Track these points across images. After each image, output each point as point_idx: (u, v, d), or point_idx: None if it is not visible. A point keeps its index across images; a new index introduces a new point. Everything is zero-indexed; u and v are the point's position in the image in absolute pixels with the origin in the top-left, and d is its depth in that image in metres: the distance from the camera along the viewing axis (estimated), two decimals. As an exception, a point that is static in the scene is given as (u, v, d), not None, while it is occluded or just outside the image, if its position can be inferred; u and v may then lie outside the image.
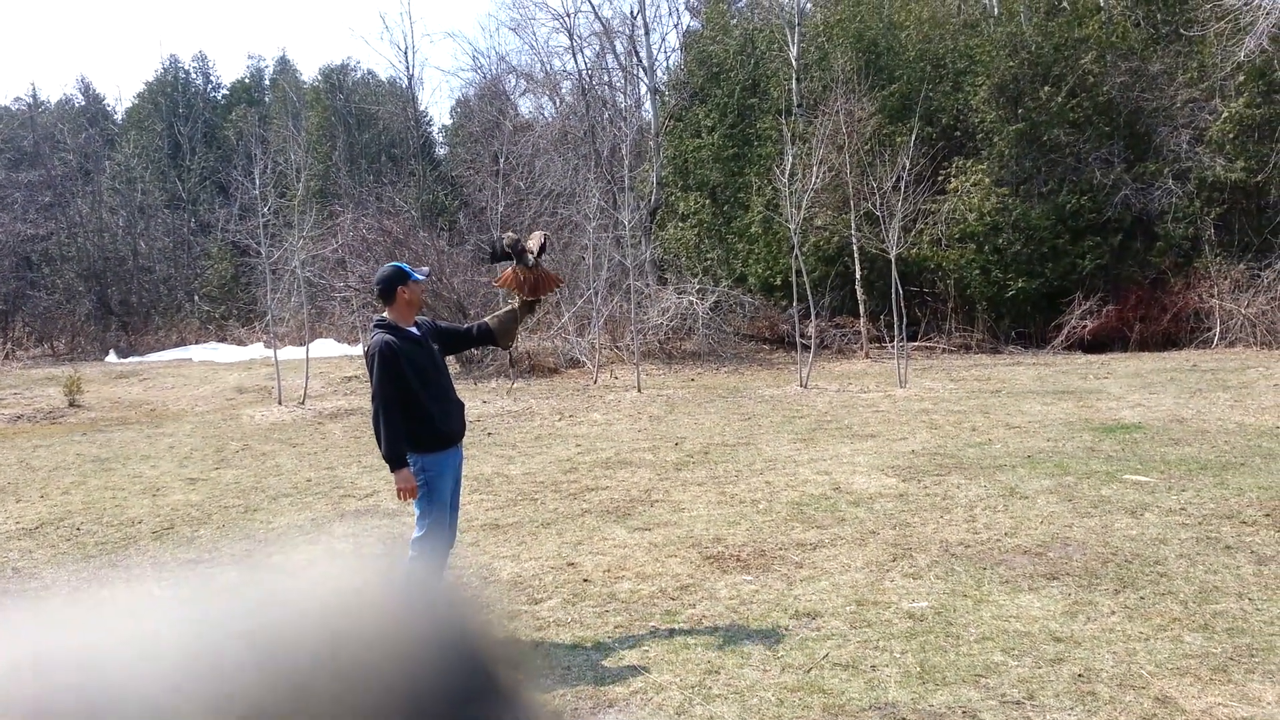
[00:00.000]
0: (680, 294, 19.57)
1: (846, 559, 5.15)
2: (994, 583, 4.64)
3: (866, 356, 19.00)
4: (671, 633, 4.24)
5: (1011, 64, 20.82)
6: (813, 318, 16.50)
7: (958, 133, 21.50)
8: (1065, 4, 21.85)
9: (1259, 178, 18.71)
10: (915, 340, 20.36)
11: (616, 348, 19.48)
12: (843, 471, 7.50)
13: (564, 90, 27.56)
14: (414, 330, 4.25)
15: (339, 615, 0.50)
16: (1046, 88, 20.42)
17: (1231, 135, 19.00)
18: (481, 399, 14.02)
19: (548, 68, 27.56)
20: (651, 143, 24.13)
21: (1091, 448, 7.93)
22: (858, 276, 19.89)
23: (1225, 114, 18.93)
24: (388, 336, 4.14)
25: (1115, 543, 5.16)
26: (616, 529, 6.14)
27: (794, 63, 23.34)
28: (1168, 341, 18.75)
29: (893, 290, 14.11)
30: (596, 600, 4.75)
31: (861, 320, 19.84)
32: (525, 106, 30.69)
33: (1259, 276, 18.00)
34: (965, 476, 7.04)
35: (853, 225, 19.35)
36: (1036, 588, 4.54)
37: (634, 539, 5.87)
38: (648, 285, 20.60)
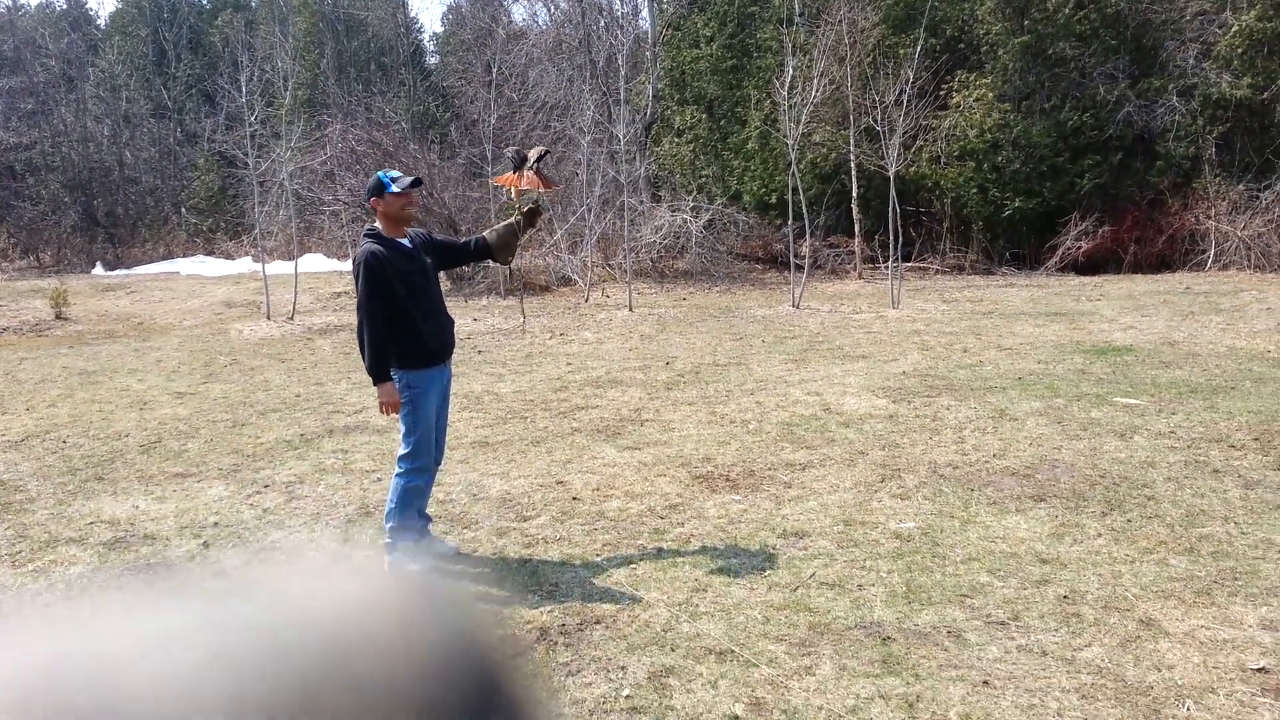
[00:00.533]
0: (674, 212, 19.32)
1: (835, 479, 5.15)
2: (981, 504, 4.64)
3: (860, 277, 18.89)
4: (659, 551, 4.24)
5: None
6: (807, 237, 16.31)
7: (961, 45, 20.99)
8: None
9: (1265, 95, 18.37)
10: (909, 261, 20.21)
11: (609, 266, 19.31)
12: (833, 392, 7.48)
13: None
14: (404, 242, 4.14)
15: (351, 622, 0.51)
16: None
17: (1240, 50, 18.58)
18: (472, 316, 13.92)
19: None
20: (648, 53, 23.56)
21: (1082, 370, 7.91)
22: (854, 195, 19.63)
23: (1235, 28, 18.48)
24: (374, 247, 4.03)
25: (1103, 465, 5.16)
26: (606, 448, 6.13)
27: (795, -31, 22.65)
28: (1161, 264, 18.64)
29: (890, 209, 13.94)
30: (585, 518, 4.75)
31: (856, 240, 19.65)
32: (519, 14, 29.89)
33: (1258, 198, 17.82)
34: (955, 398, 7.02)
35: (851, 141, 19.04)
36: (1024, 509, 4.55)
37: (623, 458, 5.86)
38: (641, 203, 20.34)
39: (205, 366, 10.37)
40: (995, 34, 20.15)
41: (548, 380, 8.79)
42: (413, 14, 32.32)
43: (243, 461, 6.20)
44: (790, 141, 14.74)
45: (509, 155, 4.36)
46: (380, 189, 4.09)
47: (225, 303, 17.67)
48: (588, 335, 11.96)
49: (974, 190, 19.92)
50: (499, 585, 3.96)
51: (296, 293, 14.95)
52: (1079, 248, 18.89)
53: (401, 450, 4.23)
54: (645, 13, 25.35)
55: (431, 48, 36.66)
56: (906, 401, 6.98)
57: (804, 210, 15.50)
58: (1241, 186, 18.22)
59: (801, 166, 21.38)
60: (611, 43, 24.52)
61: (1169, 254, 18.70)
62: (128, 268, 26.20)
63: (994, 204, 19.90)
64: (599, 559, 4.20)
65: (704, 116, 24.16)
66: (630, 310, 14.32)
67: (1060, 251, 19.14)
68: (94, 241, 28.26)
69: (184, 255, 27.23)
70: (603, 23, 24.96)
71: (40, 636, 0.46)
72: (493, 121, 18.07)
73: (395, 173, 4.14)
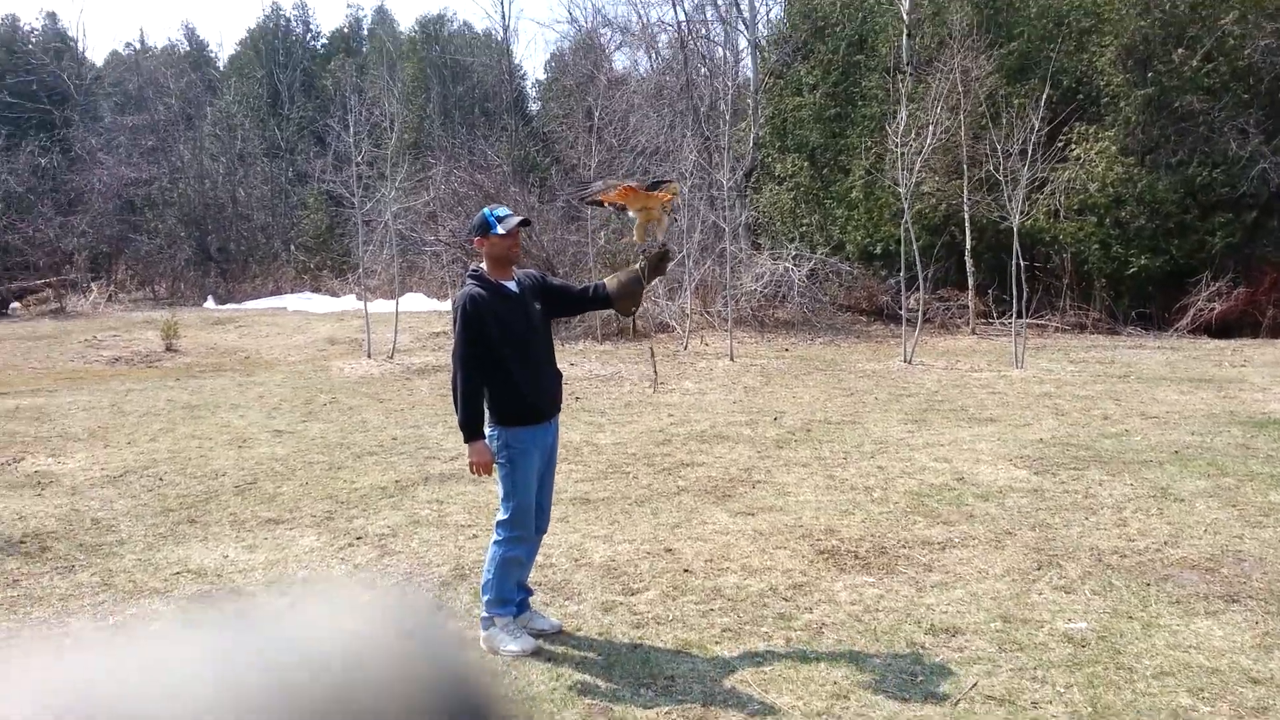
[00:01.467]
0: (775, 260, 18.85)
1: (983, 563, 4.56)
2: (1162, 602, 4.01)
3: (973, 333, 18.07)
4: (787, 643, 3.74)
5: (1143, 23, 19.34)
6: (921, 289, 15.62)
7: (1080, 96, 20.12)
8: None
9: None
10: (1026, 317, 19.27)
11: (707, 313, 18.91)
12: (964, 459, 6.85)
13: (660, 44, 26.83)
14: (510, 285, 3.78)
15: (356, 660, 0.56)
16: (1180, 50, 18.92)
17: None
18: (569, 361, 13.64)
19: (644, 19, 26.87)
20: (750, 100, 23.29)
21: (1244, 444, 7.11)
22: (967, 247, 18.86)
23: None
24: (475, 289, 3.69)
25: (1299, 562, 4.47)
26: (717, 512, 5.66)
27: (905, 18, 22.17)
28: (1297, 325, 17.33)
29: (1014, 262, 13.23)
30: (699, 595, 4.28)
31: (969, 294, 18.84)
32: (621, 61, 30.10)
33: None
34: (1106, 472, 6.33)
35: (964, 192, 18.32)
36: (1215, 611, 3.90)
37: (736, 524, 5.38)
38: (741, 250, 19.94)
39: (305, 404, 10.27)
40: (1116, 86, 19.26)
41: (649, 432, 8.36)
42: (517, 61, 32.81)
43: (336, 509, 5.92)
44: (903, 189, 14.11)
45: (597, 189, 4.02)
46: (485, 228, 3.73)
47: (328, 339, 17.84)
48: (689, 385, 11.52)
49: (1095, 246, 18.95)
50: (607, 674, 3.51)
51: (396, 331, 14.93)
52: (1212, 309, 17.70)
53: (500, 515, 3.83)
54: (747, 61, 25.14)
55: (534, 94, 37.23)
56: (1050, 474, 6.32)
57: (916, 260, 14.86)
58: None
59: (910, 217, 20.81)
60: (713, 90, 24.40)
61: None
62: (238, 302, 26.93)
63: (1117, 260, 18.88)
64: (718, 647, 3.71)
65: (806, 164, 23.70)
66: (732, 360, 13.87)
67: (1191, 312, 17.97)
68: (207, 275, 29.17)
69: (291, 291, 27.89)
70: (704, 70, 24.87)
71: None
72: (593, 165, 17.97)
73: (502, 210, 3.78)
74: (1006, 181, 14.11)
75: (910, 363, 13.01)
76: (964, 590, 4.22)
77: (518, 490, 3.75)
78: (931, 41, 22.69)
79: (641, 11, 26.89)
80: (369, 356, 14.21)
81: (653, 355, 3.36)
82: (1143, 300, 19.31)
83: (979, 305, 18.95)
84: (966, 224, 18.65)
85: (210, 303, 26.65)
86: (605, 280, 3.95)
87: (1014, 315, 13.08)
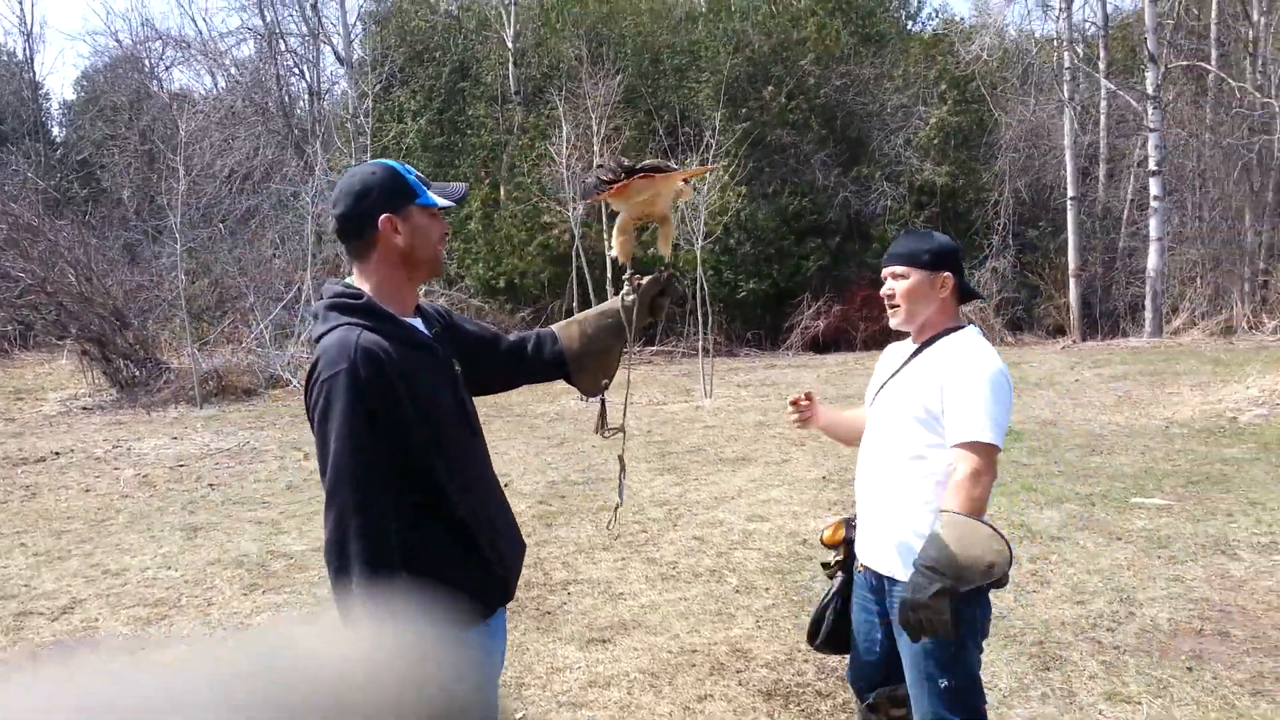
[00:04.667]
0: (405, 297, 16.93)
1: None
2: (1234, 693, 3.19)
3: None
4: None
5: (735, 62, 20.49)
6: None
7: (686, 130, 20.80)
8: (777, 5, 22.00)
9: (960, 182, 19.82)
10: (653, 345, 19.36)
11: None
12: (778, 514, 5.84)
13: (229, 62, 23.53)
14: (417, 325, 1.95)
15: (348, 687, 0.61)
16: (769, 88, 20.31)
17: (936, 141, 19.95)
18: (170, 435, 10.80)
19: (208, 32, 23.48)
20: (349, 126, 21.13)
21: (1016, 460, 6.94)
22: (581, 276, 18.42)
23: (933, 120, 19.83)
24: (369, 338, 1.78)
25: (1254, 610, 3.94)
26: (547, 642, 4.02)
27: (510, 45, 21.50)
28: (886, 338, 19.20)
29: (698, 287, 12.80)
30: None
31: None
32: (183, 78, 26.07)
33: (970, 276, 18.94)
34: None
35: (574, 222, 17.68)
36: (1265, 692, 3.15)
37: (584, 657, 3.80)
38: (363, 287, 17.72)
39: None
40: (718, 120, 20.10)
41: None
42: (40, 77, 27.19)
43: None
44: (573, 219, 13.11)
45: (592, 183, 2.33)
46: (405, 193, 1.89)
47: None
48: (354, 451, 9.42)
49: (710, 272, 19.49)
50: None
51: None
52: (816, 327, 19.02)
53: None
54: (344, 84, 22.93)
55: (60, 115, 31.18)
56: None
57: (575, 288, 13.95)
58: (951, 266, 19.29)
59: (531, 249, 20.03)
60: (305, 115, 21.89)
61: (896, 331, 19.32)
62: None
63: (729, 285, 19.63)
64: None
65: (413, 195, 21.97)
66: (383, 415, 11.86)
67: (797, 331, 19.18)
68: None
69: None
70: (302, 87, 22.24)
71: None
72: (178, 191, 14.81)
73: (413, 170, 1.95)
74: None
75: (587, 401, 12.00)
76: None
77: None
78: (537, 72, 22.29)
79: (205, 21, 23.29)
80: None
81: (622, 466, 2.14)
82: (753, 322, 20.35)
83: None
84: (581, 254, 18.19)
85: None
86: (557, 328, 2.20)
87: (700, 342, 12.65)
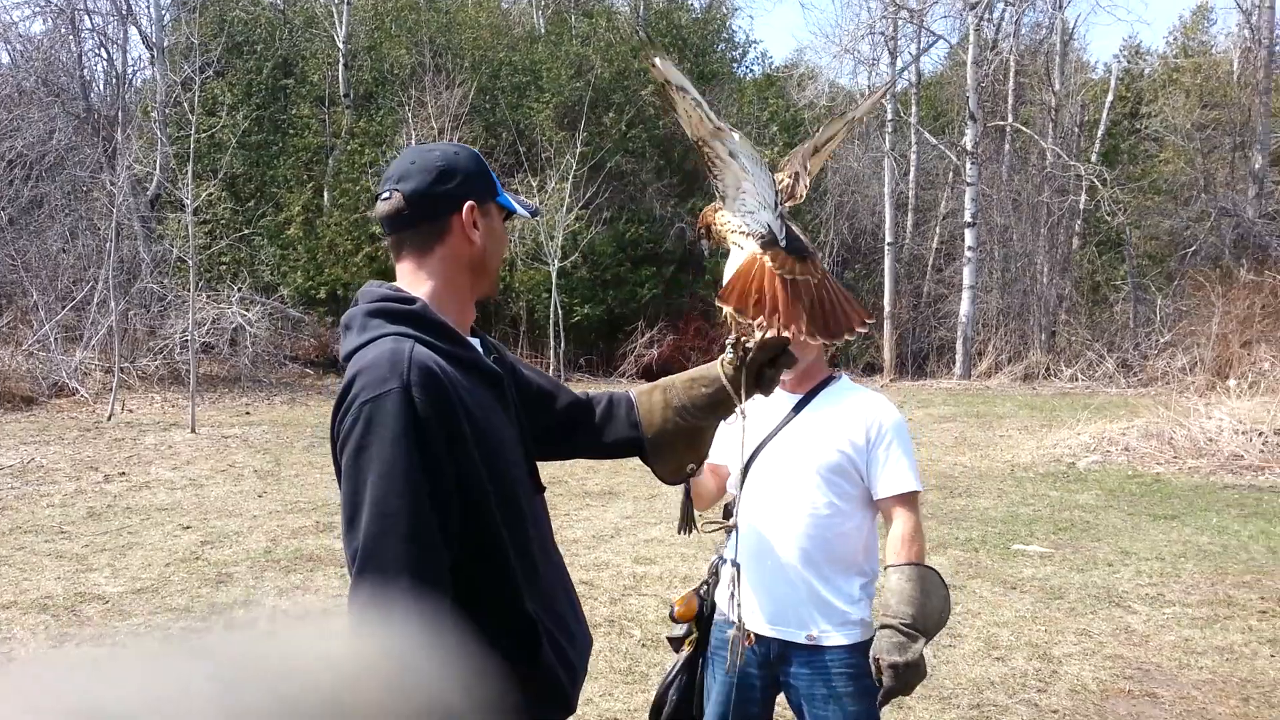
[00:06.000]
0: (218, 305, 15.64)
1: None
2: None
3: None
4: None
5: (576, 85, 20.34)
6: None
7: (522, 148, 20.42)
8: (616, 34, 22.08)
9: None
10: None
11: (126, 370, 14.91)
12: (667, 555, 5.54)
13: (15, 36, 21.08)
14: (478, 348, 1.50)
15: (344, 685, 0.61)
16: (610, 114, 20.27)
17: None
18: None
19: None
20: (156, 114, 19.38)
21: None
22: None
23: (766, 159, 20.34)
24: (423, 351, 1.35)
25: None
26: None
27: (341, 46, 20.41)
28: (718, 371, 19.47)
29: (552, 311, 12.38)
30: None
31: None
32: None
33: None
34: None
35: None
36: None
37: None
38: (168, 290, 16.25)
39: None
40: (558, 142, 19.87)
41: (175, 563, 5.55)
42: None
43: None
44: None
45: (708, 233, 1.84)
46: (487, 185, 1.52)
47: None
48: (166, 474, 8.43)
49: (544, 294, 19.15)
50: None
51: None
52: (650, 354, 19.03)
53: None
54: (149, 72, 21.08)
55: None
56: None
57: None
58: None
59: (358, 259, 19.01)
60: (106, 101, 19.96)
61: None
62: None
63: (564, 309, 19.34)
64: None
65: (225, 194, 20.44)
66: (194, 431, 10.77)
67: (631, 358, 19.12)
68: None
69: None
70: (90, 70, 20.13)
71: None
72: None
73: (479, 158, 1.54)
74: None
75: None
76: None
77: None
78: (369, 76, 21.31)
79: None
80: None
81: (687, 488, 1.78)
82: (588, 347, 20.13)
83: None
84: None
85: None
86: (637, 394, 1.71)
87: (552, 366, 12.19)
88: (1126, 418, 9.59)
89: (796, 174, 1.76)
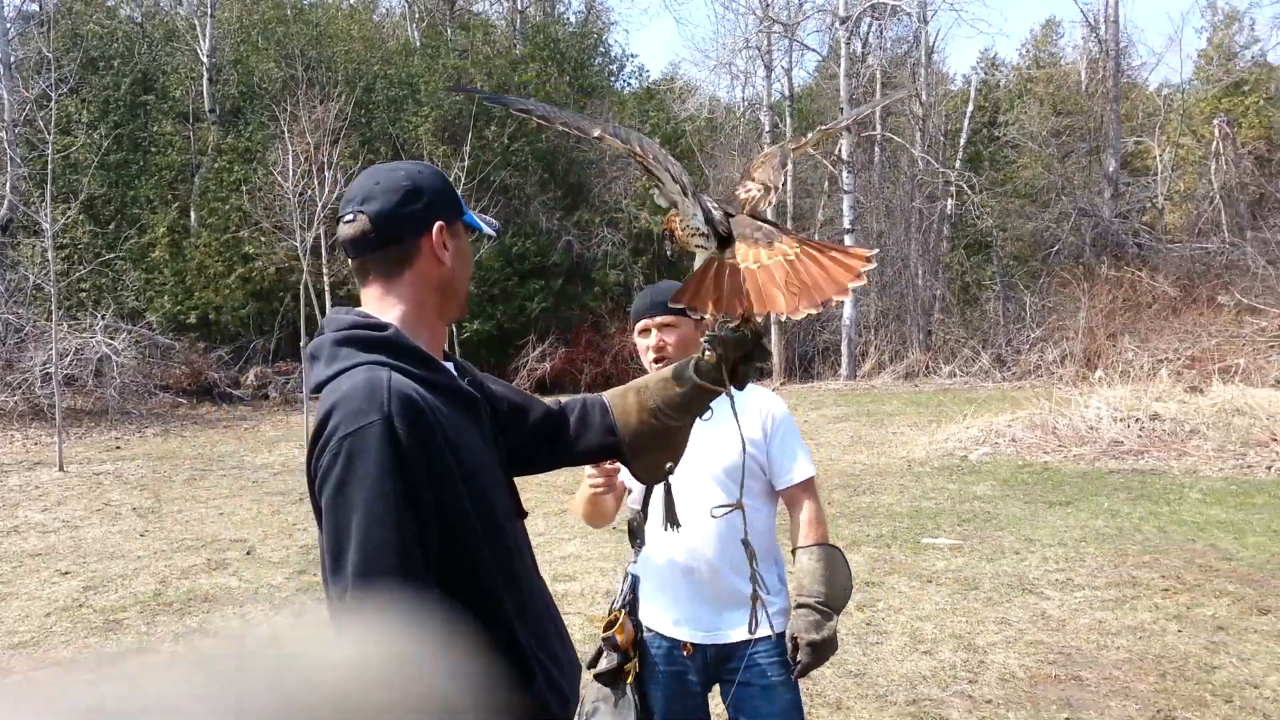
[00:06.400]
0: (81, 334, 14.72)
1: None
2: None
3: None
4: None
5: (457, 99, 20.06)
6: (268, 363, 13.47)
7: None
8: (493, 48, 21.91)
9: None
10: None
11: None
12: (587, 571, 5.43)
13: None
14: (451, 371, 1.43)
15: (347, 682, 0.61)
16: (492, 128, 20.05)
17: (652, 191, 20.65)
18: None
19: None
20: (5, 134, 18.18)
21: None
22: (302, 315, 17.08)
23: (650, 171, 20.50)
24: (402, 380, 1.27)
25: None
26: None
27: (205, 60, 19.56)
28: (610, 381, 19.46)
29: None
30: None
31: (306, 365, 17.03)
32: None
33: (687, 322, 19.67)
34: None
35: (303, 256, 16.50)
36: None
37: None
38: (26, 320, 15.22)
39: None
40: (440, 156, 19.51)
41: (59, 611, 5.15)
42: None
43: None
44: (300, 245, 12.01)
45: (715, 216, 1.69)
46: (453, 204, 1.45)
47: None
48: (33, 515, 7.84)
49: (430, 311, 18.74)
50: None
51: None
52: (542, 368, 18.88)
53: None
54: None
55: None
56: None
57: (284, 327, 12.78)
58: (668, 311, 19.96)
59: (230, 281, 18.21)
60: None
61: (616, 372, 19.58)
62: None
63: (453, 325, 19.01)
64: None
65: (82, 217, 19.34)
66: (62, 470, 10.08)
67: (524, 372, 18.93)
68: None
69: None
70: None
71: None
72: None
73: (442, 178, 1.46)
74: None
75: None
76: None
77: None
78: (236, 90, 20.50)
79: None
80: None
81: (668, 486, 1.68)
82: (478, 363, 19.73)
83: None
84: (304, 289, 16.90)
85: None
86: (610, 397, 1.64)
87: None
88: (1010, 410, 9.99)
89: (766, 186, 1.71)
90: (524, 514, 1.46)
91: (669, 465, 1.62)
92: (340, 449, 1.20)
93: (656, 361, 2.21)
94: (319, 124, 15.83)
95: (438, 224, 1.37)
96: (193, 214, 19.17)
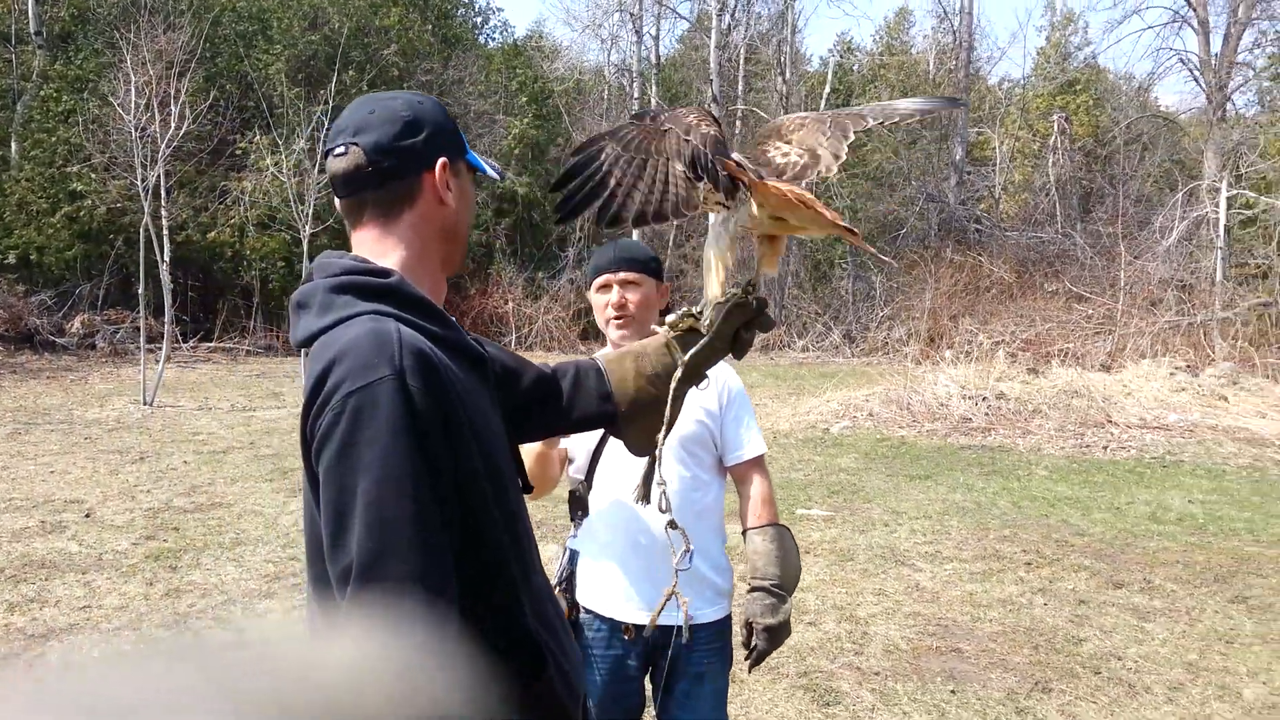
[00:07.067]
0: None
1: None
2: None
3: (170, 360, 15.36)
4: None
5: (311, 39, 19.05)
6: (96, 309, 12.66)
7: (251, 103, 18.84)
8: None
9: (539, 193, 20.38)
10: (212, 341, 17.24)
11: None
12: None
13: None
14: (459, 326, 1.28)
15: (345, 688, 0.60)
16: (350, 72, 19.14)
17: (517, 151, 20.30)
18: None
19: None
20: None
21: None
22: (143, 260, 15.94)
23: (515, 130, 20.13)
24: (411, 333, 1.13)
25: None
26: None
27: (29, -23, 17.77)
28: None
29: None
30: None
31: (151, 315, 15.93)
32: None
33: (550, 284, 19.52)
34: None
35: (144, 198, 15.32)
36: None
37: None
38: None
39: None
40: (292, 98, 18.49)
41: None
42: None
43: None
44: (142, 185, 11.18)
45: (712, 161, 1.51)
46: (456, 141, 1.30)
47: None
48: None
49: (280, 262, 17.89)
50: None
51: None
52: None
53: None
54: None
55: None
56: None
57: (143, 272, 11.95)
58: (530, 274, 19.74)
59: (55, 220, 16.74)
60: None
61: (478, 333, 19.25)
62: None
63: (301, 278, 18.15)
64: None
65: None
66: None
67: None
68: None
69: None
70: None
71: None
72: None
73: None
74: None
75: (152, 404, 10.25)
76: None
77: None
78: (66, 14, 18.75)
79: None
80: None
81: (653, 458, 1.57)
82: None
83: (156, 328, 16.21)
84: (145, 232, 15.75)
85: None
86: (605, 361, 1.53)
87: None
88: (865, 386, 10.39)
89: (814, 153, 1.56)
90: (530, 487, 1.36)
91: (661, 434, 1.53)
92: (344, 407, 1.06)
93: (616, 319, 2.12)
94: (161, 54, 14.67)
95: (441, 160, 1.24)
96: (13, 144, 17.50)
